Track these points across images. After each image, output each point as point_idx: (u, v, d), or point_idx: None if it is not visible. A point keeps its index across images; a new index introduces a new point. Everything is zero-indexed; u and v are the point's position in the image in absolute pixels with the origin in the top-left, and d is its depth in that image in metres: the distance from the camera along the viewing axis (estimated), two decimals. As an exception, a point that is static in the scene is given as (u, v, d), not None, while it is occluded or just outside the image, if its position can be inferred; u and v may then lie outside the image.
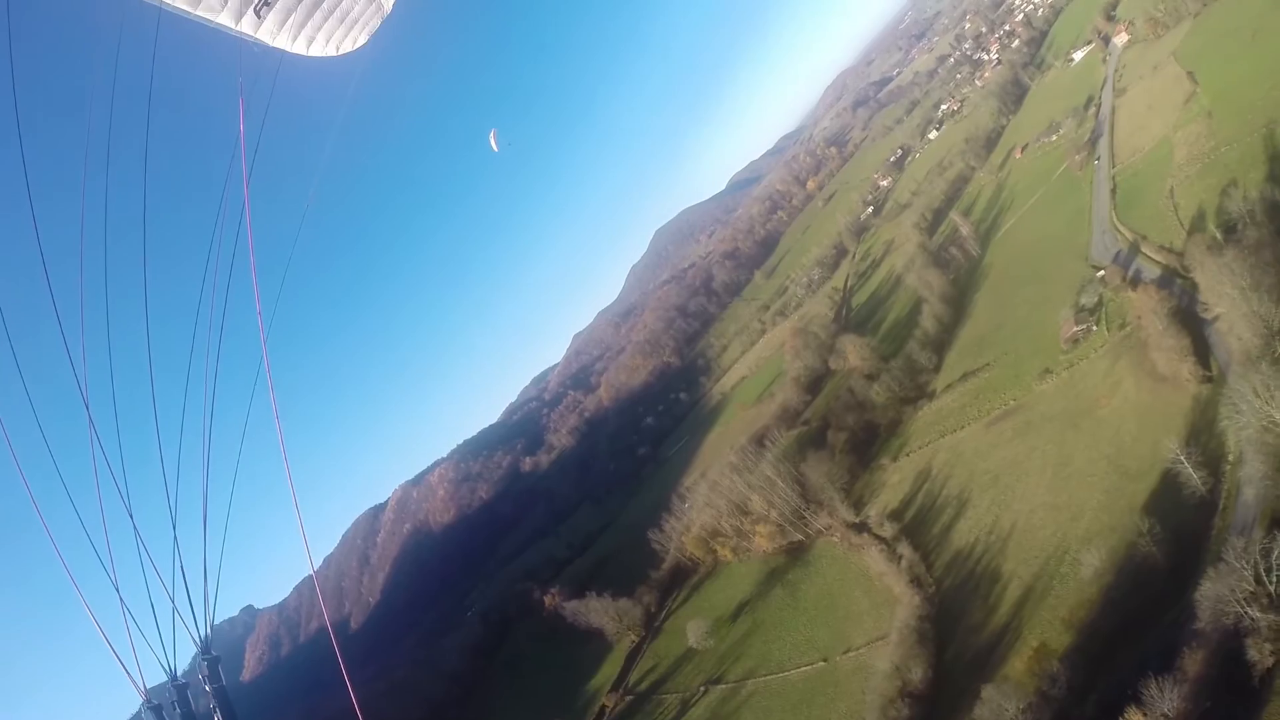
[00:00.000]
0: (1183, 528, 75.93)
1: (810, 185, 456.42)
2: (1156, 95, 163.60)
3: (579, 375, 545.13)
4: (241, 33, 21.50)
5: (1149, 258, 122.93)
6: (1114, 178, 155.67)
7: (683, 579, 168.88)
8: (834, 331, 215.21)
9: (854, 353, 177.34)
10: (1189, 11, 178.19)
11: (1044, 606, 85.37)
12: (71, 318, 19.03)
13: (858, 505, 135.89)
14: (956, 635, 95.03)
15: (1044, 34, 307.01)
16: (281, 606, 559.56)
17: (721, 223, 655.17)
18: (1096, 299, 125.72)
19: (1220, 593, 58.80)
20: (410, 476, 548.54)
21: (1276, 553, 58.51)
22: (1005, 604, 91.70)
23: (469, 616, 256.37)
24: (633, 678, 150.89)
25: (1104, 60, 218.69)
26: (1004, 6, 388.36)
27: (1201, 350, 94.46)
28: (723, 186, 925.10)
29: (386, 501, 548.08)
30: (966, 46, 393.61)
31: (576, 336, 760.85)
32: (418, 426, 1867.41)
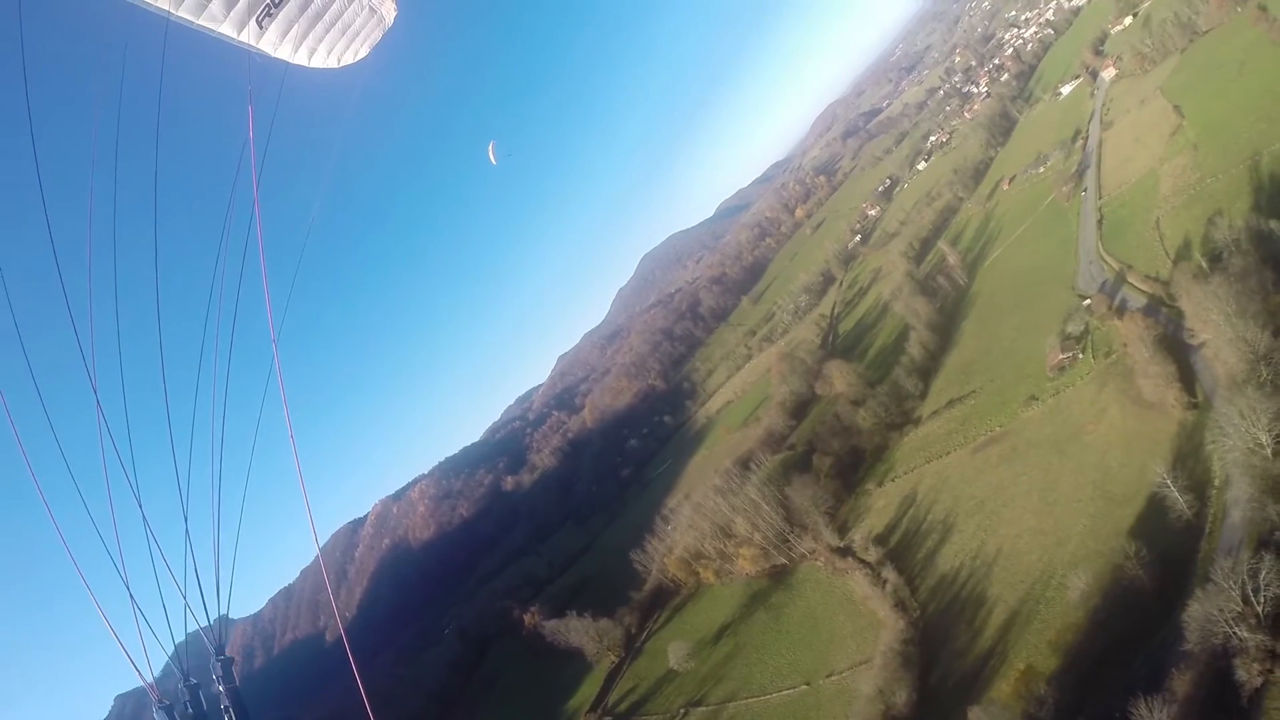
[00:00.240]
0: (1169, 551, 75.87)
1: (799, 213, 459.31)
2: (1143, 128, 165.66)
3: (563, 396, 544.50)
4: (244, 43, 21.59)
5: (1135, 287, 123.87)
6: (1101, 209, 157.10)
7: (664, 600, 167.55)
8: (820, 357, 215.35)
9: (840, 378, 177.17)
10: (1176, 47, 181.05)
11: (1030, 630, 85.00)
12: (83, 322, 19.17)
13: (842, 529, 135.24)
14: (942, 659, 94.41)
15: (1033, 68, 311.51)
16: (256, 618, 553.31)
17: (709, 249, 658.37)
18: (1083, 327, 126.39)
19: (1208, 613, 58.69)
20: (391, 492, 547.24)
21: (1264, 573, 58.48)
22: (991, 628, 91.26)
23: (447, 634, 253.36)
24: (612, 698, 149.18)
25: (1092, 94, 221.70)
26: (994, 41, 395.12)
27: (1187, 376, 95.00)
28: (711, 213, 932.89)
29: (366, 516, 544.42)
30: (956, 79, 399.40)
31: (562, 358, 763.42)
32: (399, 442, 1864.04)
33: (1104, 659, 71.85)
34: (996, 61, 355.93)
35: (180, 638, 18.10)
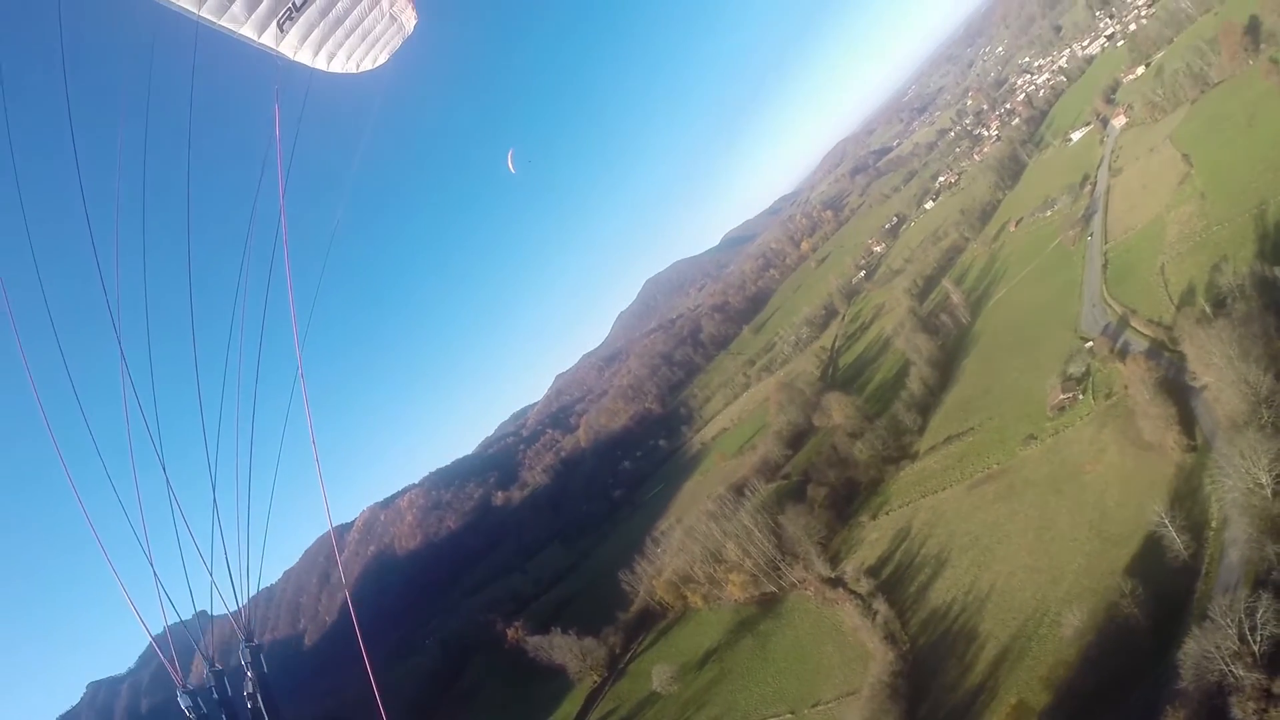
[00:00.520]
0: (1165, 590, 75.30)
1: (804, 246, 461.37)
2: (1152, 176, 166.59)
3: (559, 415, 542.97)
4: (265, 46, 21.82)
5: (1138, 331, 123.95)
6: (1106, 253, 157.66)
7: (651, 623, 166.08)
8: (819, 389, 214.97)
9: (839, 410, 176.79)
10: (1187, 97, 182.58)
11: (1022, 666, 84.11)
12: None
13: (834, 560, 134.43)
14: (931, 692, 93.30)
15: (1044, 113, 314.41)
16: (236, 615, 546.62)
17: (713, 277, 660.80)
18: (1084, 369, 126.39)
19: (1204, 651, 58.12)
20: (380, 499, 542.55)
21: (1261, 611, 58.06)
22: (982, 662, 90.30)
23: (428, 643, 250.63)
24: (592, 718, 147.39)
25: (1101, 141, 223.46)
26: (1006, 85, 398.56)
27: (1187, 419, 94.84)
28: (717, 242, 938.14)
29: (353, 521, 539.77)
30: (967, 122, 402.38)
31: (559, 376, 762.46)
32: (390, 450, 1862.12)
33: (1097, 696, 70.97)
34: (1008, 106, 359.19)
35: (192, 623, 18.26)
